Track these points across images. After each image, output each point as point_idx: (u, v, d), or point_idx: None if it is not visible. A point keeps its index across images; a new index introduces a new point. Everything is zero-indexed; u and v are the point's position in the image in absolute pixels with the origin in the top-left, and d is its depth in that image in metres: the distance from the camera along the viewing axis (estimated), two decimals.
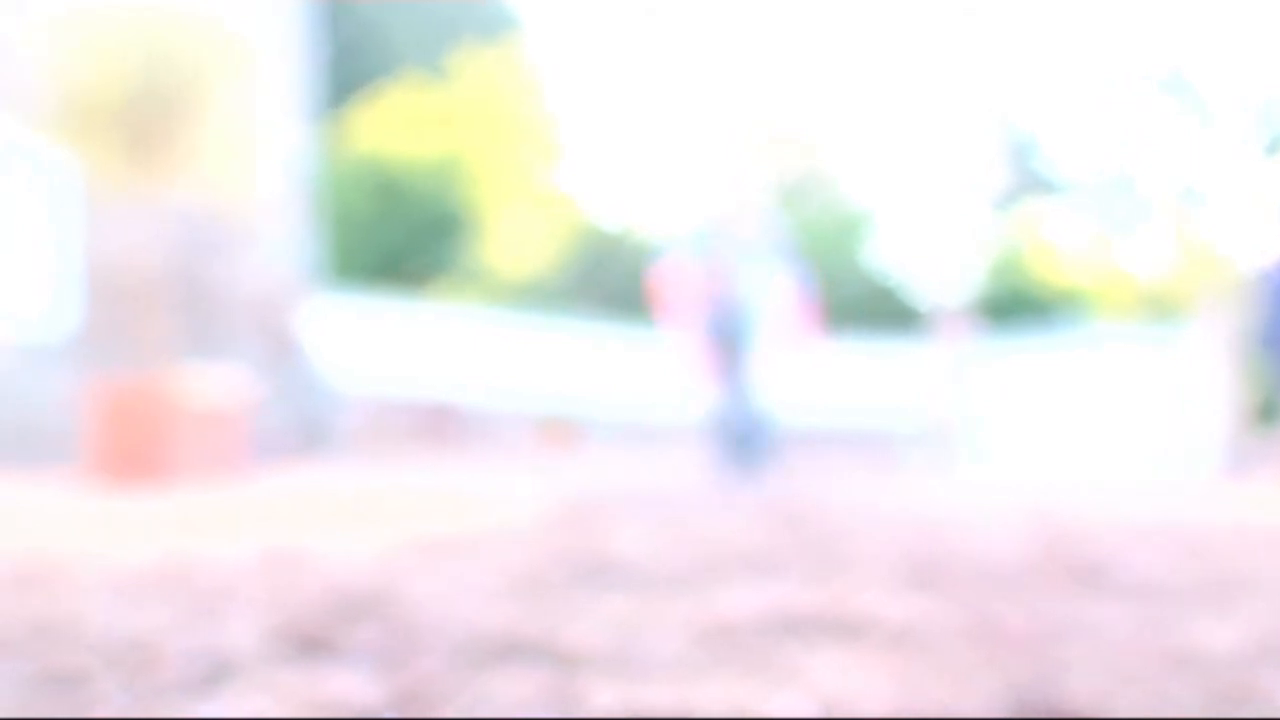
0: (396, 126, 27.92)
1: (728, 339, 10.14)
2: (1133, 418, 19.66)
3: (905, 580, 3.75)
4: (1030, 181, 27.47)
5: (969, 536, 5.17)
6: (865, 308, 28.62)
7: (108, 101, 10.10)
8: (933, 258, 27.47)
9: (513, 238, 28.78)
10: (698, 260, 10.31)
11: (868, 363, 25.98)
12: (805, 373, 11.01)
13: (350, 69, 29.24)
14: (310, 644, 2.65)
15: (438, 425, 21.46)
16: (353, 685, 2.28)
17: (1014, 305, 27.72)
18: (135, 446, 9.60)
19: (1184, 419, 19.04)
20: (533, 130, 30.58)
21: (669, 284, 10.39)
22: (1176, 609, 3.29)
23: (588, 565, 4.03)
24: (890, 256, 30.33)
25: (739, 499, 7.48)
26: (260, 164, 11.35)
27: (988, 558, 4.33)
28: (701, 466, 10.55)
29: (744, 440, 9.93)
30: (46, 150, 12.67)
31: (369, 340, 21.73)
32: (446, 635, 2.74)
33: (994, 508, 7.13)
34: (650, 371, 23.21)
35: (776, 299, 10.21)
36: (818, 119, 31.95)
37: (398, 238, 26.73)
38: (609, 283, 28.89)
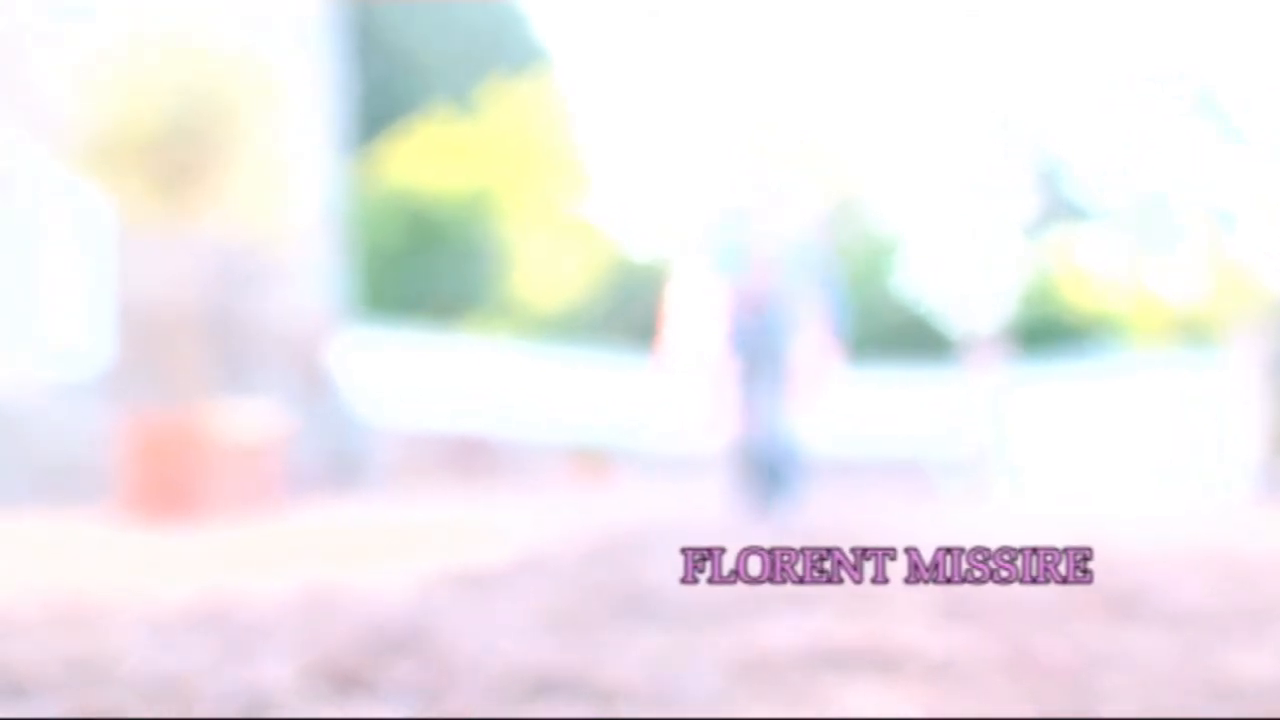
0: (427, 160, 28.01)
1: (756, 353, 9.04)
2: (1166, 443, 19.56)
3: (942, 611, 3.74)
4: (1061, 207, 27.42)
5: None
6: (897, 335, 28.59)
7: (141, 137, 10.15)
8: (964, 285, 27.43)
9: (543, 270, 28.83)
10: (719, 267, 9.06)
11: (900, 390, 25.93)
12: (833, 402, 9.36)
13: (381, 103, 29.36)
14: (346, 681, 2.65)
15: (470, 458, 21.48)
16: None
17: (1046, 332, 27.65)
18: (169, 482, 9.62)
19: (1217, 444, 18.94)
20: (563, 162, 30.65)
21: (684, 302, 9.18)
22: (1214, 637, 3.27)
23: (623, 598, 4.02)
24: (922, 284, 30.30)
25: (772, 529, 7.47)
26: (292, 199, 11.40)
27: (1025, 587, 4.31)
28: (731, 496, 9.84)
29: (773, 469, 9.04)
30: (80, 186, 12.74)
31: (401, 373, 21.77)
32: (483, 671, 2.74)
33: (1031, 535, 7.10)
34: (679, 401, 23.19)
35: (808, 319, 9.05)
36: (848, 145, 31.96)
37: (428, 271, 26.80)
38: (639, 314, 28.89)
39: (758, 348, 9.06)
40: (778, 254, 9.12)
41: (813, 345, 9.09)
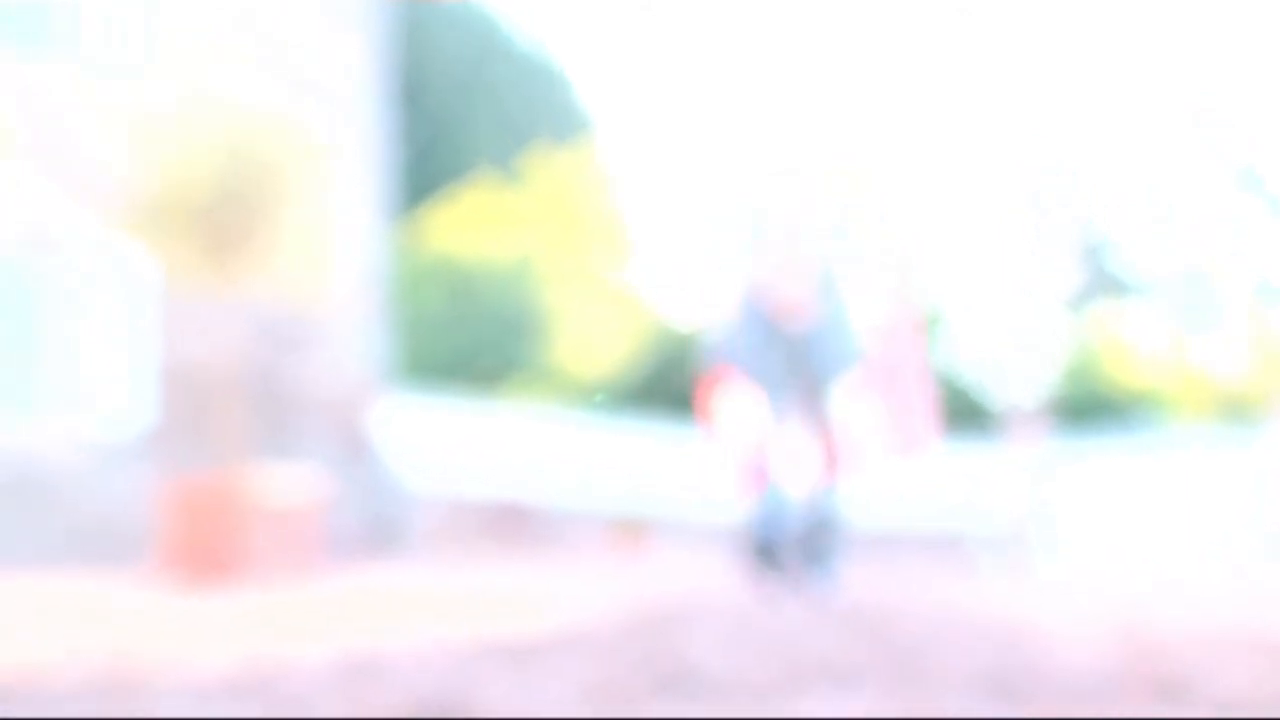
0: (470, 227, 28.14)
1: (787, 380, 7.31)
2: (1209, 519, 19.42)
3: (987, 692, 3.70)
4: (1105, 281, 27.37)
5: (1050, 645, 5.10)
6: (938, 408, 28.50)
7: (187, 202, 10.22)
8: (1007, 358, 27.35)
9: (584, 337, 28.87)
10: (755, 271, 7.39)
11: (940, 464, 25.82)
12: (923, 465, 7.53)
13: (425, 170, 29.53)
14: None
15: (509, 525, 21.45)
16: None
17: (1089, 406, 27.52)
18: (209, 545, 9.63)
19: (1260, 520, 18.79)
20: (605, 230, 30.75)
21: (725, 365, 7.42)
22: None
23: (664, 674, 3.99)
24: (964, 356, 30.21)
25: (814, 604, 7.41)
26: (335, 264, 11.45)
27: (1070, 668, 4.27)
28: (746, 569, 8.35)
29: (808, 536, 7.71)
30: (126, 249, 12.81)
31: (441, 439, 21.79)
32: None
33: (1074, 613, 7.04)
34: (720, 471, 23.13)
35: (890, 349, 7.38)
36: (890, 218, 31.97)
37: (470, 337, 26.86)
38: (680, 382, 28.89)
39: (790, 372, 7.32)
40: (818, 267, 7.45)
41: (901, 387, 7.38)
